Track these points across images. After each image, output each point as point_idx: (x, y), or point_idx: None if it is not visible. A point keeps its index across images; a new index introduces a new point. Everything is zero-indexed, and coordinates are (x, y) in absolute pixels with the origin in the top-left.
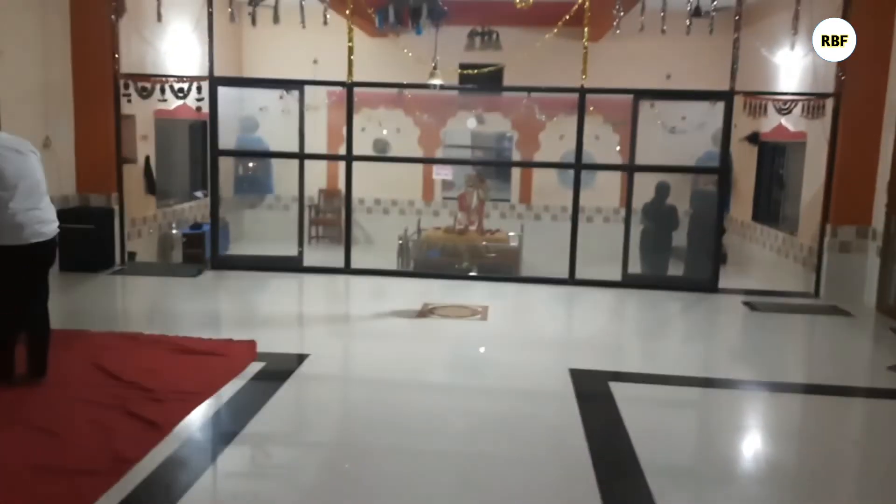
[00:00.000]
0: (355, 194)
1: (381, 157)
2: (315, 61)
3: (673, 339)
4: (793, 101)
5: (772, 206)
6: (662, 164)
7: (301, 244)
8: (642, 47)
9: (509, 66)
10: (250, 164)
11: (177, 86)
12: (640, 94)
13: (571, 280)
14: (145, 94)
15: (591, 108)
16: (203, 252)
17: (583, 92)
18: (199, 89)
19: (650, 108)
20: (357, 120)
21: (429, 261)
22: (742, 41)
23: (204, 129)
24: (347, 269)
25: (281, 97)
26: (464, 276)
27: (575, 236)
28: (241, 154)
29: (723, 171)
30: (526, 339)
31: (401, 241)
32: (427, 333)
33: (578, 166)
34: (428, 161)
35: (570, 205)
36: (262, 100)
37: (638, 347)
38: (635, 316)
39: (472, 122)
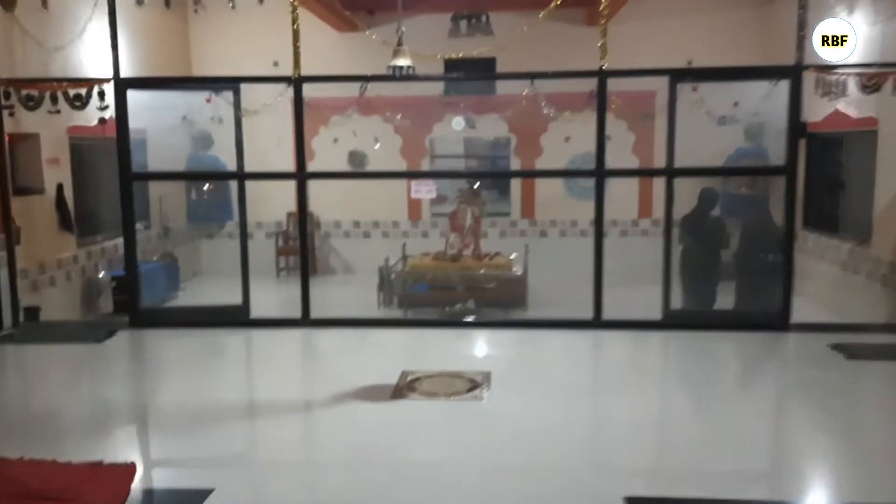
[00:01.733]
0: (329, 216)
1: (341, 174)
2: (276, 63)
3: (768, 420)
4: (881, 74)
5: (829, 210)
6: (707, 165)
7: (246, 291)
8: (661, 27)
9: (502, 55)
10: (205, 188)
11: (73, 92)
12: (679, 76)
13: (597, 322)
14: (32, 104)
15: (614, 105)
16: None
17: (603, 76)
18: (101, 95)
19: (692, 92)
20: (327, 131)
21: (416, 297)
22: (780, 9)
23: (140, 149)
24: (306, 321)
25: (208, 100)
26: (458, 323)
27: (600, 263)
28: (159, 177)
29: (791, 170)
30: (549, 438)
31: (394, 273)
32: (400, 434)
33: (601, 173)
34: (404, 175)
35: (581, 218)
36: (210, 108)
37: (721, 442)
38: (695, 378)
39: (458, 123)
